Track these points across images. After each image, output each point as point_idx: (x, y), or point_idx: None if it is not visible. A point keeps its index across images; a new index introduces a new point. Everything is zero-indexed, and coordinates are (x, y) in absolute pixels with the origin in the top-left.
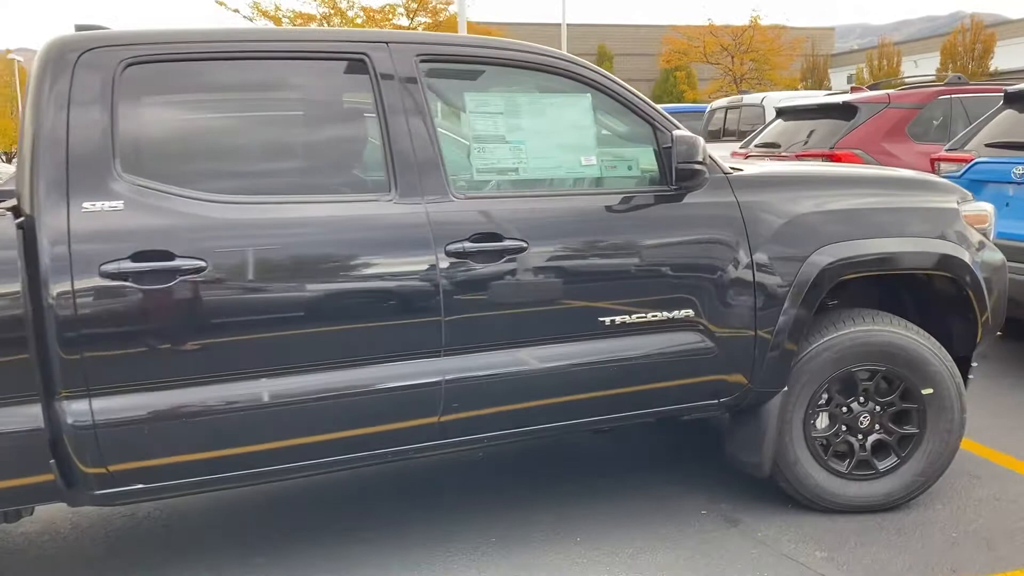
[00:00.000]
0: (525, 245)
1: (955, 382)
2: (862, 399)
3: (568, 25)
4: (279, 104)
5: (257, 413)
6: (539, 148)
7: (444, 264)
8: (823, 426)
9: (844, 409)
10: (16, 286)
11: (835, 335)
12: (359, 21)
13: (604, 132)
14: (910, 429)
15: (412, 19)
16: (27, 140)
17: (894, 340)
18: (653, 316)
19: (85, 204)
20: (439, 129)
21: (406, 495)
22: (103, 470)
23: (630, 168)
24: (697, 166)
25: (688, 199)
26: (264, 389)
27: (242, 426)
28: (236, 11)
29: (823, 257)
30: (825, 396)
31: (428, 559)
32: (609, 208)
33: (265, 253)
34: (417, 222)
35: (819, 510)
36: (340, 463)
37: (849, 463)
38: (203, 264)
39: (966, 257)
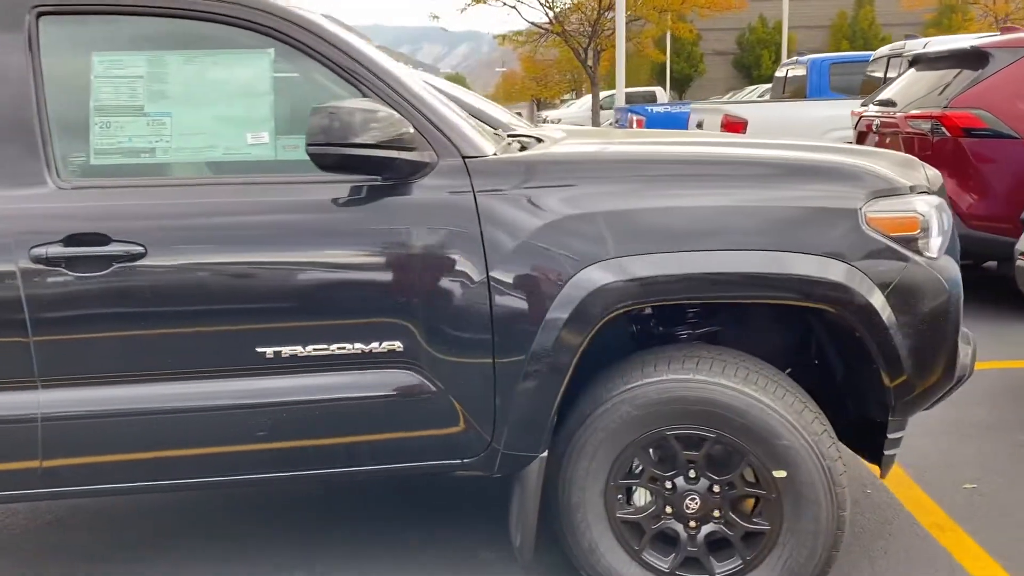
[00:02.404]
0: (143, 250)
1: (822, 466)
2: (691, 474)
3: None
4: None
5: None
6: (189, 122)
7: (27, 271)
8: (642, 503)
9: (667, 485)
10: None
11: (639, 384)
12: None
13: (291, 101)
14: (759, 524)
15: None
16: None
17: (718, 397)
18: (339, 349)
19: None
20: (53, 100)
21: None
22: None
23: None
24: (352, 150)
25: (398, 193)
26: None
27: None
28: None
29: (594, 277)
30: (637, 465)
31: None
32: (277, 203)
33: None
34: None
35: None
36: None
37: (675, 559)
38: None
39: (853, 281)
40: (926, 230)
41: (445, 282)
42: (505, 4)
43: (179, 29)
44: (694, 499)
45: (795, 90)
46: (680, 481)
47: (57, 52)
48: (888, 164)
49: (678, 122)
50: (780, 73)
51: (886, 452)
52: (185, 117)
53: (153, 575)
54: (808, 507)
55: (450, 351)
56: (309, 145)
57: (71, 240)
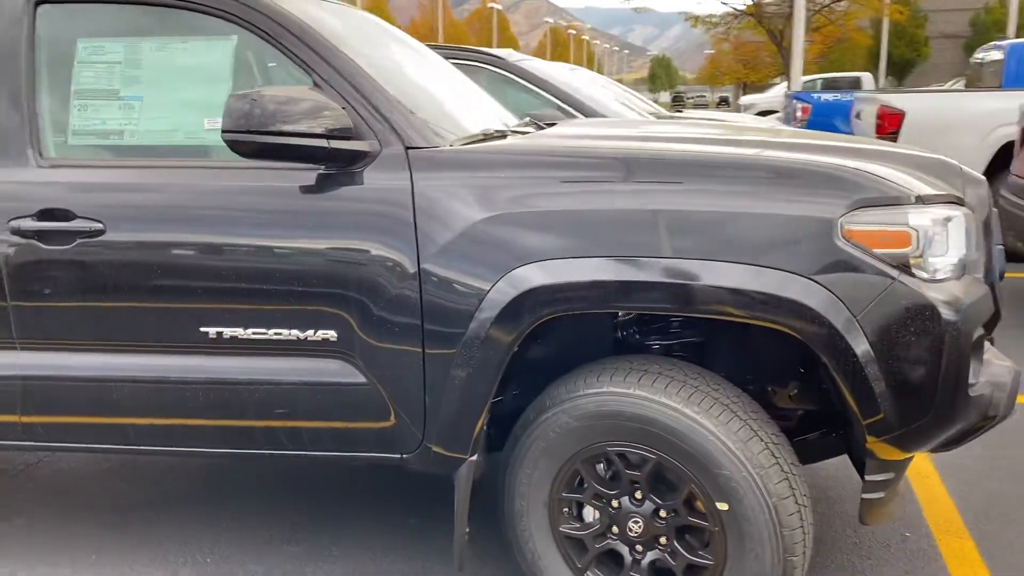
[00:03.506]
0: (102, 227)
1: (766, 502)
2: (637, 495)
3: None
4: None
5: None
6: (157, 106)
7: (6, 242)
8: (590, 520)
9: (613, 504)
10: None
11: (579, 395)
12: None
13: (251, 86)
14: (703, 558)
15: None
16: None
17: (656, 416)
18: (276, 335)
19: None
20: (44, 82)
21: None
22: None
23: None
24: (270, 138)
25: (340, 182)
26: None
27: None
28: None
29: (525, 278)
30: (582, 480)
31: None
32: (223, 187)
33: None
34: None
35: None
36: None
37: None
38: None
39: (813, 300)
40: (923, 246)
41: (379, 273)
42: None
43: (156, 17)
44: (638, 522)
45: (990, 78)
46: (625, 501)
47: (48, 38)
48: (910, 168)
49: (842, 111)
50: (977, 58)
51: (863, 495)
52: (153, 101)
53: (161, 532)
54: (751, 546)
55: (380, 343)
56: (225, 132)
57: (42, 215)
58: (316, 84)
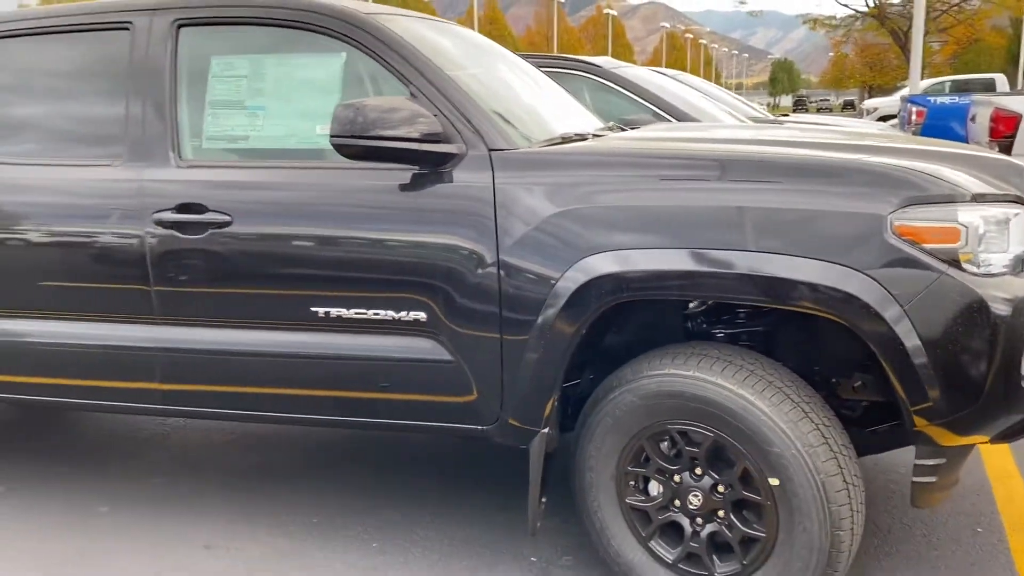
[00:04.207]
0: (229, 219)
1: (815, 479)
2: (697, 471)
3: None
4: (45, 75)
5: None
6: (277, 114)
7: (151, 233)
8: (655, 493)
9: (674, 479)
10: None
11: (644, 376)
12: None
13: (356, 96)
14: (756, 531)
15: None
16: None
17: (713, 396)
18: (375, 315)
19: None
20: (183, 94)
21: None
22: None
23: None
24: (371, 142)
25: (431, 181)
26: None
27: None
28: None
29: (592, 267)
30: (647, 455)
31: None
32: (331, 185)
33: (10, 210)
34: (129, 188)
35: None
36: (77, 406)
37: (680, 552)
38: None
39: (863, 291)
40: (973, 242)
41: (462, 263)
42: None
43: (277, 36)
44: (697, 496)
45: None
46: (686, 476)
47: (187, 56)
48: (973, 169)
49: (958, 114)
50: None
51: (913, 478)
52: (273, 110)
53: (272, 494)
54: (800, 519)
55: (464, 326)
56: (332, 136)
57: (180, 208)
58: (412, 94)
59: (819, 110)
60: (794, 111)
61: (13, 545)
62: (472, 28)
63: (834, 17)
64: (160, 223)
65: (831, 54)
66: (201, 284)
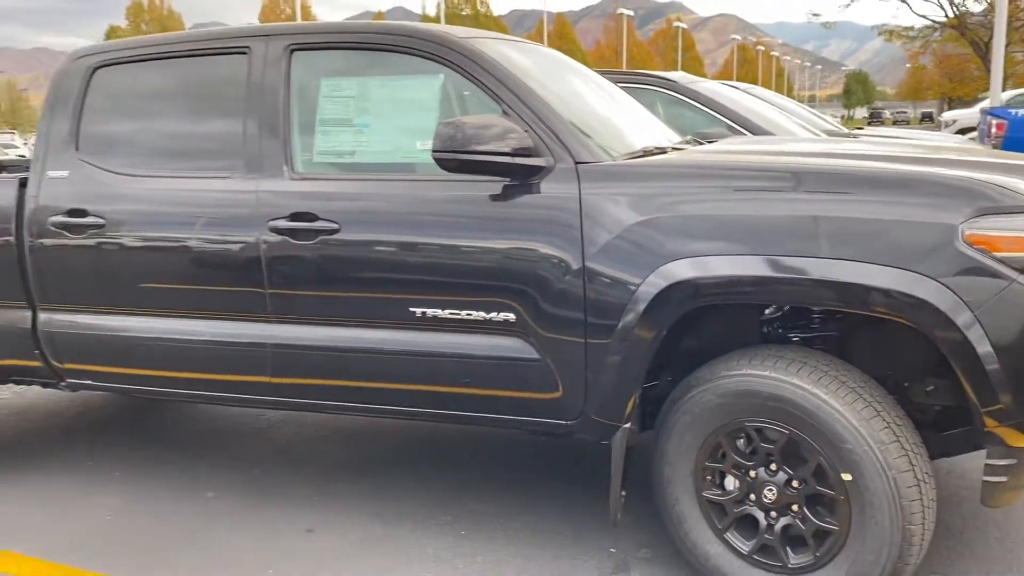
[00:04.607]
0: (337, 227)
1: (887, 475)
2: (772, 466)
3: None
4: (171, 95)
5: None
6: (380, 131)
7: (266, 239)
8: (730, 488)
9: (750, 474)
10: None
11: (722, 376)
12: None
13: (455, 115)
14: (829, 523)
15: None
16: None
17: (788, 395)
18: (468, 315)
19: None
20: (295, 112)
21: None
22: (61, 365)
23: None
24: (468, 156)
25: (521, 192)
26: (138, 324)
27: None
28: None
29: (672, 273)
30: (723, 451)
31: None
32: (429, 196)
33: (141, 218)
34: (246, 198)
35: None
36: (196, 397)
37: (754, 544)
38: (103, 221)
39: (935, 297)
40: None
41: (549, 269)
42: None
43: (381, 60)
44: (772, 490)
45: None
46: (761, 472)
47: (299, 78)
48: None
49: None
50: None
51: (984, 478)
52: (377, 128)
53: (368, 483)
54: (872, 513)
55: (550, 327)
56: (435, 151)
57: (294, 216)
58: (504, 112)
59: (896, 122)
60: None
61: (132, 525)
62: (541, 43)
63: (911, 28)
64: (275, 230)
65: (908, 65)
66: (310, 285)
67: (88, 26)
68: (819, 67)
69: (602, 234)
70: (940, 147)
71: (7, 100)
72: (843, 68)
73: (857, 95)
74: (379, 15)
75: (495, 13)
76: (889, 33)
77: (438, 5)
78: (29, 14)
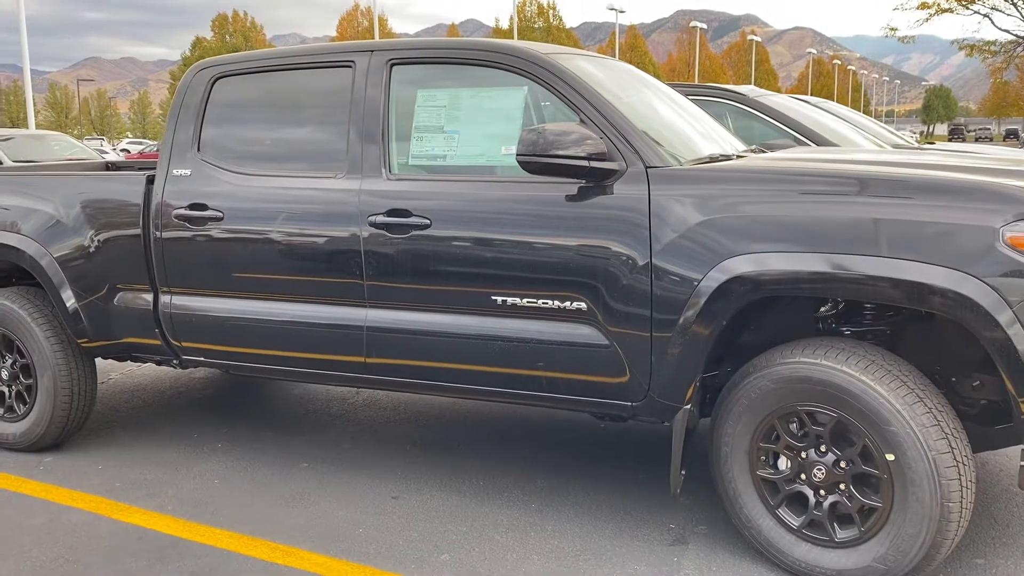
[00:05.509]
0: (429, 223)
1: (927, 456)
2: (822, 447)
3: None
4: (282, 103)
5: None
6: (469, 137)
7: (365, 233)
8: (783, 467)
9: (801, 454)
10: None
11: (777, 363)
12: None
13: (534, 123)
14: (874, 500)
15: None
16: None
17: (837, 381)
18: (544, 304)
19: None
20: (393, 119)
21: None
22: (178, 343)
23: None
24: (549, 159)
25: (595, 193)
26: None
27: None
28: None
29: (731, 268)
30: (777, 433)
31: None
32: (511, 196)
33: (255, 212)
34: (349, 196)
35: (773, 562)
36: (297, 375)
37: (804, 519)
38: (221, 214)
39: (976, 294)
40: None
41: (619, 264)
42: (976, 12)
43: (471, 73)
44: (821, 469)
45: None
46: (811, 452)
47: (398, 88)
48: None
49: None
50: None
51: (1022, 463)
52: (466, 134)
53: (442, 461)
54: (914, 491)
55: (618, 316)
56: (519, 155)
57: (390, 212)
58: (582, 120)
59: (978, 139)
60: (950, 139)
61: (237, 487)
62: (613, 55)
63: (995, 42)
64: (373, 224)
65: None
66: (403, 274)
67: (175, 37)
68: (898, 81)
69: (668, 233)
70: (1007, 159)
71: (96, 107)
72: (924, 83)
73: (937, 110)
74: (452, 27)
75: (567, 25)
76: (970, 48)
77: (511, 17)
78: (117, 25)
